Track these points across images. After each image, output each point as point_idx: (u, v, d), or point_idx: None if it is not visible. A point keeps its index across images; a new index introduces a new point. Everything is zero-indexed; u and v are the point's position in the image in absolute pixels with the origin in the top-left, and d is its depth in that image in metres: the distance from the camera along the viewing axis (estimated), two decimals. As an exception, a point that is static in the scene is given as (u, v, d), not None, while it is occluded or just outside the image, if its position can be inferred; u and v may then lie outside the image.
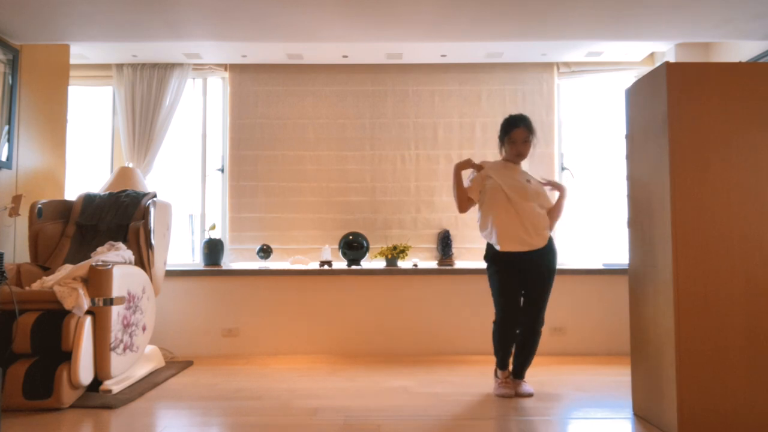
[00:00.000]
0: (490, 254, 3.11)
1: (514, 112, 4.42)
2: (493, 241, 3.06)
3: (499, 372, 3.14)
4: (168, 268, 4.07)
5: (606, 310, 4.12)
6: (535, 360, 3.43)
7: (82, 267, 3.01)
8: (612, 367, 3.70)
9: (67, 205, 3.70)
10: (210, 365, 3.81)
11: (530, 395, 3.04)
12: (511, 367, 3.12)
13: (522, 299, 3.05)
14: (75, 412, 2.76)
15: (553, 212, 3.12)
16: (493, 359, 3.89)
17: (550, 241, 3.07)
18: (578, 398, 2.98)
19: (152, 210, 3.53)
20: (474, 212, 4.41)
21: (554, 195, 3.19)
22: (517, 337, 3.05)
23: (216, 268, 4.22)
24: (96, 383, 3.00)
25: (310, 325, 4.15)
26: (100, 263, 3.04)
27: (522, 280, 3.02)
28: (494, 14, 3.36)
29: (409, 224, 4.45)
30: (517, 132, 3.04)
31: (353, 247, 4.27)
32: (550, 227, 3.10)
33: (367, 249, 4.30)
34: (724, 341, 2.34)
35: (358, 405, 2.86)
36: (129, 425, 2.57)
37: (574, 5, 3.23)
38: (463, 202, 3.13)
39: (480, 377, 3.42)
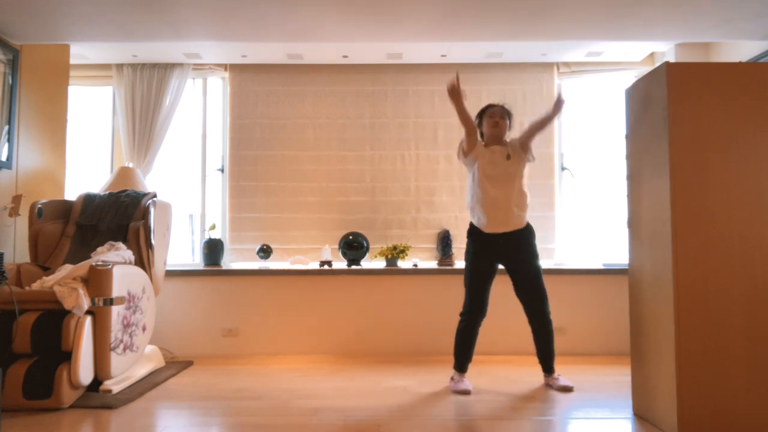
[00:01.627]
0: (471, 231, 3.25)
1: (514, 112, 4.44)
2: (475, 222, 3.22)
3: (456, 374, 3.21)
4: (168, 268, 4.07)
5: (606, 310, 4.12)
6: (535, 360, 3.44)
7: (82, 267, 3.01)
8: (612, 367, 3.70)
9: (67, 205, 3.70)
10: (210, 365, 3.81)
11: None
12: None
13: (519, 295, 3.20)
14: (75, 412, 2.76)
15: (537, 126, 3.16)
16: (492, 358, 3.92)
17: (530, 227, 3.23)
18: (578, 398, 2.98)
19: (152, 210, 3.53)
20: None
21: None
22: (533, 335, 3.21)
23: (216, 268, 4.22)
24: (96, 383, 3.00)
25: (310, 325, 4.15)
26: (100, 263, 3.04)
27: (508, 270, 3.20)
28: (494, 14, 3.36)
29: (409, 224, 4.45)
30: (494, 109, 3.25)
31: (353, 247, 4.27)
32: (533, 132, 3.16)
33: (367, 249, 4.30)
34: (724, 341, 2.34)
35: (358, 405, 2.86)
36: (129, 425, 2.57)
37: (574, 5, 3.23)
38: (470, 125, 3.14)
39: (479, 377, 3.42)
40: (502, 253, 3.18)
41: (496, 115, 3.23)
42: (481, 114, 3.31)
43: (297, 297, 4.16)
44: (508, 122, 3.26)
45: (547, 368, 3.22)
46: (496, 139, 3.23)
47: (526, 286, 3.16)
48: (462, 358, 3.20)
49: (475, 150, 3.20)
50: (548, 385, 3.20)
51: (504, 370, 3.58)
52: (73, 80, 4.31)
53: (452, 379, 3.22)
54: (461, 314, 3.22)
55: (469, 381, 3.19)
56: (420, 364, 3.82)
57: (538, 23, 3.49)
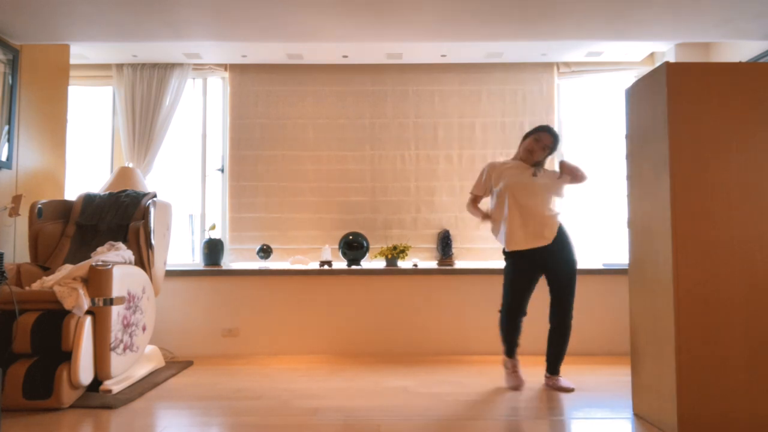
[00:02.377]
0: (505, 250, 3.27)
1: (514, 112, 4.49)
2: (500, 241, 3.26)
3: (507, 361, 3.26)
4: (168, 268, 4.07)
5: (606, 310, 4.12)
6: (535, 359, 3.45)
7: (82, 267, 3.01)
8: (612, 367, 3.70)
9: (67, 205, 3.70)
10: (210, 365, 3.81)
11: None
12: (512, 357, 3.27)
13: (550, 291, 3.19)
14: (75, 412, 2.76)
15: (574, 180, 3.22)
16: (493, 358, 3.92)
17: (562, 232, 3.17)
18: (578, 398, 2.98)
19: (152, 210, 3.53)
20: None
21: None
22: (549, 333, 3.21)
23: (216, 268, 4.22)
24: (96, 383, 3.00)
25: (310, 325, 4.15)
26: (100, 263, 3.04)
27: (544, 277, 3.20)
28: (494, 14, 3.36)
29: (409, 224, 4.45)
30: (544, 135, 3.22)
31: (353, 247, 4.27)
32: (580, 179, 3.20)
33: (367, 249, 4.30)
34: (724, 341, 2.34)
35: (358, 405, 2.86)
36: (129, 425, 2.57)
37: (574, 5, 3.23)
38: (474, 211, 3.40)
39: (480, 377, 3.42)
40: (541, 264, 3.17)
41: (538, 145, 3.19)
42: (533, 131, 3.27)
43: (297, 297, 4.16)
44: (548, 153, 3.24)
45: (553, 369, 3.22)
46: (525, 162, 3.25)
47: (558, 285, 3.14)
48: (507, 345, 3.25)
49: (488, 179, 3.27)
50: (549, 386, 3.20)
51: (503, 371, 3.57)
52: (73, 80, 4.31)
53: (505, 366, 3.28)
54: (500, 311, 3.26)
55: (522, 374, 3.24)
56: (420, 364, 3.81)
57: (538, 23, 3.49)
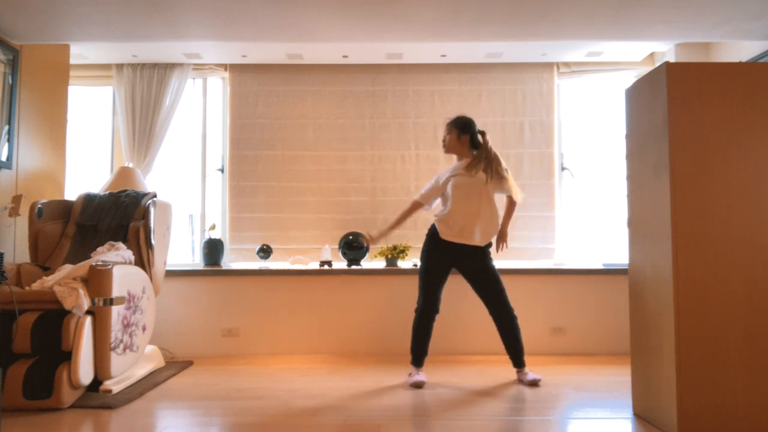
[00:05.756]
0: (433, 233, 3.32)
1: (514, 112, 4.48)
2: (441, 229, 3.27)
3: (413, 370, 3.31)
4: (168, 268, 4.07)
5: (606, 310, 4.12)
6: (535, 360, 3.45)
7: (82, 267, 3.01)
8: (612, 367, 3.70)
9: (67, 205, 3.70)
10: (210, 365, 3.81)
11: (537, 382, 3.20)
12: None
13: (481, 294, 3.30)
14: (75, 412, 2.76)
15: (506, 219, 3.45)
16: (495, 358, 3.93)
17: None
18: (578, 398, 2.98)
19: (152, 210, 3.54)
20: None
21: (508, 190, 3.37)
22: (499, 331, 3.30)
23: (216, 268, 4.22)
24: (96, 383, 3.00)
25: (310, 325, 4.15)
26: (100, 263, 3.04)
27: (469, 279, 3.32)
28: (494, 14, 3.36)
29: (409, 224, 4.43)
30: (446, 129, 3.48)
31: (353, 247, 4.27)
32: (504, 223, 3.40)
33: (367, 249, 4.30)
34: (724, 341, 2.34)
35: (358, 405, 2.86)
36: (129, 425, 2.57)
37: (574, 5, 3.23)
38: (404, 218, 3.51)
39: (479, 377, 3.42)
40: (461, 260, 3.29)
41: (448, 138, 3.43)
42: (472, 131, 3.46)
43: (297, 297, 4.16)
44: (449, 135, 3.41)
45: (519, 363, 3.29)
46: (459, 157, 3.40)
47: (488, 285, 3.26)
48: (419, 354, 3.31)
49: (443, 185, 3.34)
50: (519, 381, 3.27)
51: (503, 371, 3.58)
52: (73, 80, 4.31)
53: (410, 375, 3.31)
54: (416, 311, 3.33)
55: (424, 374, 3.31)
56: (420, 364, 3.81)
57: (538, 23, 3.49)
